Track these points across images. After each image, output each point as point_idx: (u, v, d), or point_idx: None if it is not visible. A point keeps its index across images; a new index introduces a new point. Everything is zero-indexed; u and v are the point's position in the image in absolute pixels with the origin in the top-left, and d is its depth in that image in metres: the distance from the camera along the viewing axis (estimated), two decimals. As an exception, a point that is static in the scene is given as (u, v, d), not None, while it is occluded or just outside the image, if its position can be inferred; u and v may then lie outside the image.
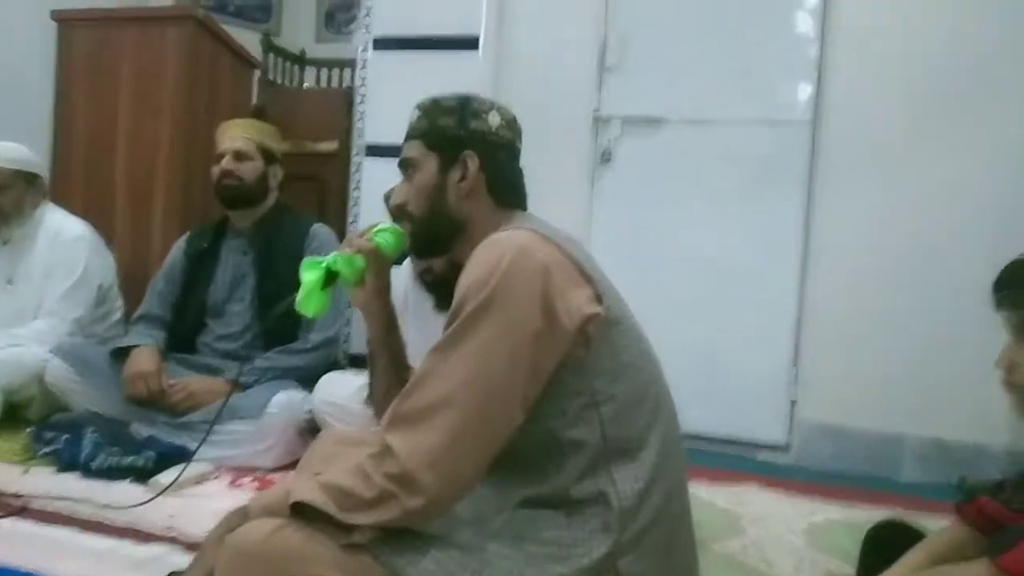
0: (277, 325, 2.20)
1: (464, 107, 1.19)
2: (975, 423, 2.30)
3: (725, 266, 2.64)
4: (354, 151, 2.94)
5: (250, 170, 2.33)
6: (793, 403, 2.60)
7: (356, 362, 2.78)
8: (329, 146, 3.58)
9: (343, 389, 2.16)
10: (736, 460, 2.51)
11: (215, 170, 2.34)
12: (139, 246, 2.87)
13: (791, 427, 2.60)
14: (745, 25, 2.66)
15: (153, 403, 2.12)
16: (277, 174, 2.43)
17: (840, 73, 2.54)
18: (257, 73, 3.55)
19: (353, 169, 2.94)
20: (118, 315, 2.64)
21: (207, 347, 2.36)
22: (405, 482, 0.91)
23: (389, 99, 2.86)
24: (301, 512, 0.94)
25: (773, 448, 2.60)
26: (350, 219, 2.93)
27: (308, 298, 1.18)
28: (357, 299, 1.26)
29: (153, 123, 2.86)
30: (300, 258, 2.20)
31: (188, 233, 2.49)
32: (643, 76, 2.77)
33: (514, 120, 1.24)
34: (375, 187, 2.85)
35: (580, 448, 1.01)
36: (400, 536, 0.95)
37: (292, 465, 2.06)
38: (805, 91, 2.60)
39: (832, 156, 2.54)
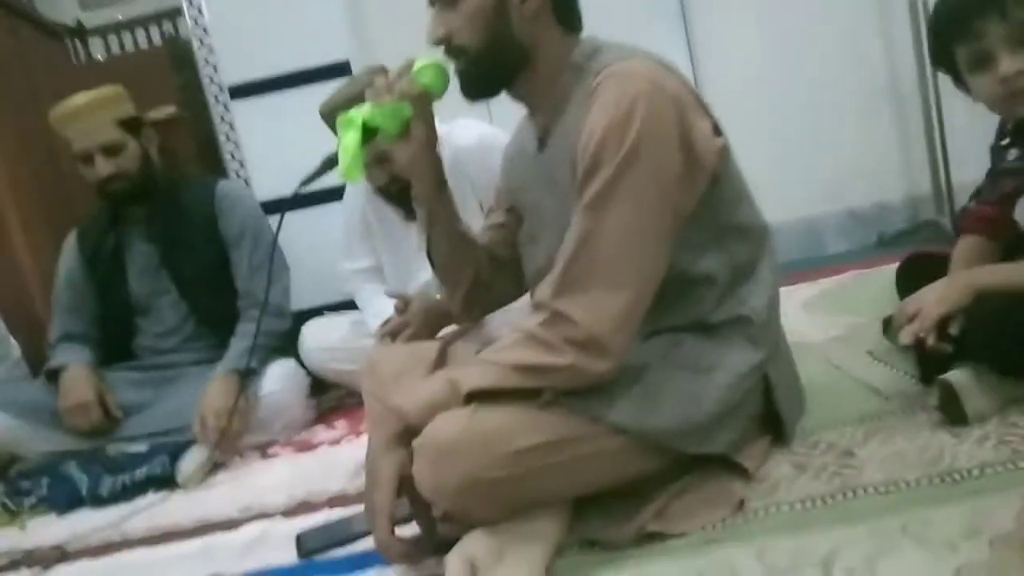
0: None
1: None
2: (874, 187, 2.62)
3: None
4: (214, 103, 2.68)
5: (130, 160, 1.97)
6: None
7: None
8: (164, 112, 3.25)
9: (335, 332, 2.05)
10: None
11: (87, 174, 1.97)
12: (6, 272, 2.49)
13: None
14: None
15: (103, 432, 1.89)
16: (152, 139, 2.07)
17: None
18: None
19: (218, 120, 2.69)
20: (17, 352, 2.30)
21: (146, 349, 2.13)
22: (594, 347, 0.90)
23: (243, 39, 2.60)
24: (475, 397, 0.93)
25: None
26: (235, 173, 2.68)
27: (353, 163, 1.00)
28: (403, 154, 1.11)
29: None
30: (213, 226, 2.06)
31: (75, 231, 2.17)
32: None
33: None
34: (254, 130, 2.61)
35: (711, 281, 1.03)
36: None
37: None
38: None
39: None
